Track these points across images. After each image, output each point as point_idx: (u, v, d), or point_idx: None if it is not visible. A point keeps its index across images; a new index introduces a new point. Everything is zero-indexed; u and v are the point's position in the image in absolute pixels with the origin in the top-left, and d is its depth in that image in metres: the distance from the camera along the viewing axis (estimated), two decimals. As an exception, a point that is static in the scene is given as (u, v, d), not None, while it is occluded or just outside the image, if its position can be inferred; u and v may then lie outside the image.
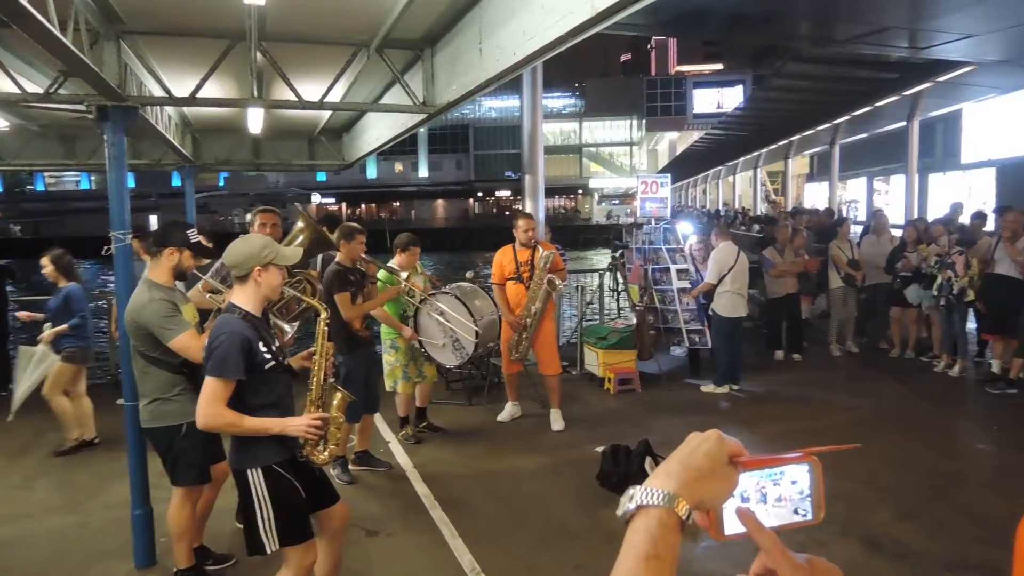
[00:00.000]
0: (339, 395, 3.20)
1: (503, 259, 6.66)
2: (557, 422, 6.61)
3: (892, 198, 23.51)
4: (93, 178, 56.42)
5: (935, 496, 4.95)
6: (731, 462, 0.92)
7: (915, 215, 14.68)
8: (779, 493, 0.94)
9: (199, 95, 4.87)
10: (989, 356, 8.03)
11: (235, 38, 4.61)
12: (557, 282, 6.39)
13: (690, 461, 0.89)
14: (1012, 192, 15.26)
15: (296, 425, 2.93)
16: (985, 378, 7.71)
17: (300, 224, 4.44)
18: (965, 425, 6.60)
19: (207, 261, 4.39)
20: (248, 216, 5.20)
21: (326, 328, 3.22)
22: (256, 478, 2.91)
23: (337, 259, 5.38)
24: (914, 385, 7.90)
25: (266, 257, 2.96)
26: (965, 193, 19.44)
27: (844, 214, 21.03)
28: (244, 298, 2.99)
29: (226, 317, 2.94)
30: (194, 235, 3.90)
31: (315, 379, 3.14)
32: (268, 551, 2.95)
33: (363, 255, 5.42)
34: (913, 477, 5.31)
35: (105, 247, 4.07)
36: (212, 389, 2.83)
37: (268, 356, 2.95)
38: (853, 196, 26.56)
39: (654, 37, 64.63)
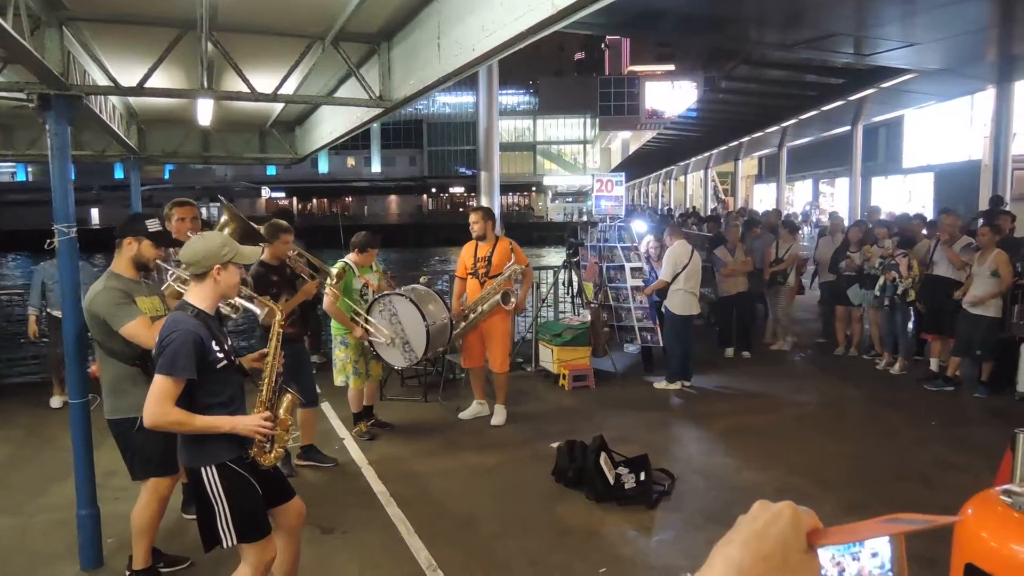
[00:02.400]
0: (288, 397, 3.19)
1: (465, 254, 6.72)
2: (498, 416, 6.63)
3: (837, 200, 24.20)
4: (30, 169, 54.36)
5: (877, 490, 5.12)
6: (809, 544, 0.72)
7: (859, 217, 15.14)
8: (858, 569, 0.81)
9: (147, 85, 4.74)
10: (928, 354, 8.33)
11: (185, 27, 4.49)
12: (512, 300, 6.43)
13: (759, 548, 0.70)
14: (949, 195, 15.87)
15: (246, 424, 2.91)
16: (924, 376, 7.99)
17: (224, 217, 4.34)
18: (905, 421, 6.83)
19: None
20: (163, 210, 4.96)
21: (280, 331, 3.20)
22: (211, 475, 2.87)
23: (263, 258, 5.11)
24: (857, 382, 8.14)
25: (226, 256, 2.93)
26: (906, 196, 20.14)
27: (807, 214, 21.54)
28: (199, 296, 2.94)
29: (178, 315, 2.89)
30: (154, 225, 3.82)
31: (266, 380, 3.11)
32: (225, 546, 2.93)
33: (293, 253, 5.31)
34: (856, 472, 5.48)
35: (48, 240, 3.94)
36: (161, 387, 2.77)
37: (220, 355, 2.90)
38: (811, 199, 27.19)
39: (608, 37, 65.22)
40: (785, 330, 9.63)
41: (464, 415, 6.77)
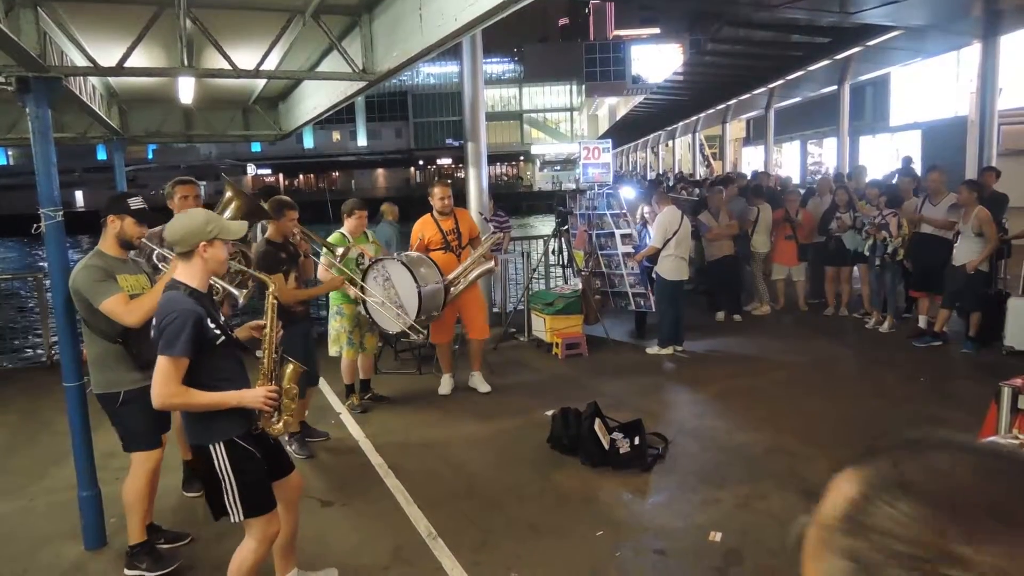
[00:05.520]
0: (290, 367, 3.23)
1: (424, 229, 6.60)
2: (482, 385, 6.71)
3: (825, 160, 24.19)
4: (11, 153, 53.61)
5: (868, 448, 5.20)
6: None
7: (846, 176, 15.15)
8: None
9: (126, 65, 4.67)
10: (916, 312, 8.42)
11: (162, 5, 4.41)
12: (496, 268, 6.72)
13: None
14: (937, 152, 15.89)
15: (253, 397, 2.96)
16: (912, 333, 8.08)
17: (228, 194, 4.32)
18: (894, 378, 6.92)
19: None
20: (165, 189, 5.03)
21: (275, 302, 3.23)
22: (219, 452, 2.92)
23: (267, 235, 5.24)
24: (847, 342, 8.24)
25: (211, 232, 2.92)
26: (893, 154, 20.15)
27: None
28: (189, 274, 2.94)
29: (173, 295, 2.89)
30: (137, 203, 3.83)
31: (266, 353, 3.15)
32: (233, 521, 3.00)
33: (297, 230, 5.31)
34: (847, 430, 5.56)
35: (35, 224, 3.91)
36: (165, 368, 2.79)
37: (218, 332, 2.93)
38: (819, 160, 27.12)
39: (592, 1, 64.44)
40: (761, 294, 9.69)
41: (443, 391, 6.74)
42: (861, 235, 8.44)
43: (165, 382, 2.79)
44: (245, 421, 2.99)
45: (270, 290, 3.23)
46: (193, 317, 2.80)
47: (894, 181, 10.00)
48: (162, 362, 2.79)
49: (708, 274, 9.83)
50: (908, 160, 13.83)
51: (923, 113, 19.14)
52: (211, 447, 2.92)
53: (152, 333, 2.89)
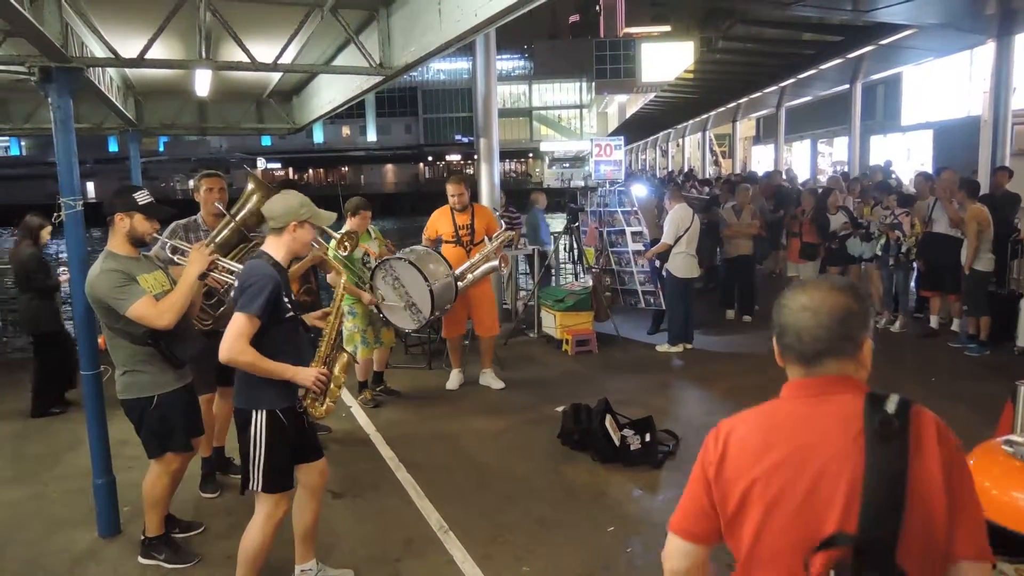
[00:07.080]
0: (344, 357, 3.38)
1: (440, 221, 6.69)
2: (495, 382, 6.74)
3: (836, 160, 24.07)
4: (23, 143, 53.88)
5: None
6: None
7: (855, 177, 15.09)
8: None
9: (146, 56, 4.70)
10: (928, 312, 8.40)
11: (182, -4, 4.45)
12: (504, 269, 6.73)
13: None
14: (948, 153, 15.80)
15: (306, 375, 3.08)
16: (924, 333, 8.05)
17: (251, 186, 4.36)
18: (905, 378, 6.90)
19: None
20: (191, 182, 5.08)
21: (343, 292, 3.40)
22: (259, 420, 3.05)
23: None
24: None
25: (303, 215, 3.13)
26: (904, 154, 20.07)
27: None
28: (275, 248, 3.13)
29: (258, 262, 3.06)
30: (144, 197, 3.65)
31: (326, 338, 3.29)
32: (251, 488, 3.12)
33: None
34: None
35: (55, 214, 3.94)
36: (240, 324, 2.93)
37: (289, 306, 3.08)
38: (839, 158, 26.97)
39: (603, -2, 64.27)
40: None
41: (451, 386, 6.79)
42: (862, 239, 8.40)
43: (237, 337, 2.93)
44: (291, 397, 3.11)
45: (341, 280, 3.42)
46: (273, 283, 2.97)
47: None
48: (238, 318, 2.94)
49: (724, 272, 9.82)
50: (889, 163, 14.07)
51: (935, 113, 19.01)
52: (254, 413, 3.05)
53: (232, 294, 3.05)
